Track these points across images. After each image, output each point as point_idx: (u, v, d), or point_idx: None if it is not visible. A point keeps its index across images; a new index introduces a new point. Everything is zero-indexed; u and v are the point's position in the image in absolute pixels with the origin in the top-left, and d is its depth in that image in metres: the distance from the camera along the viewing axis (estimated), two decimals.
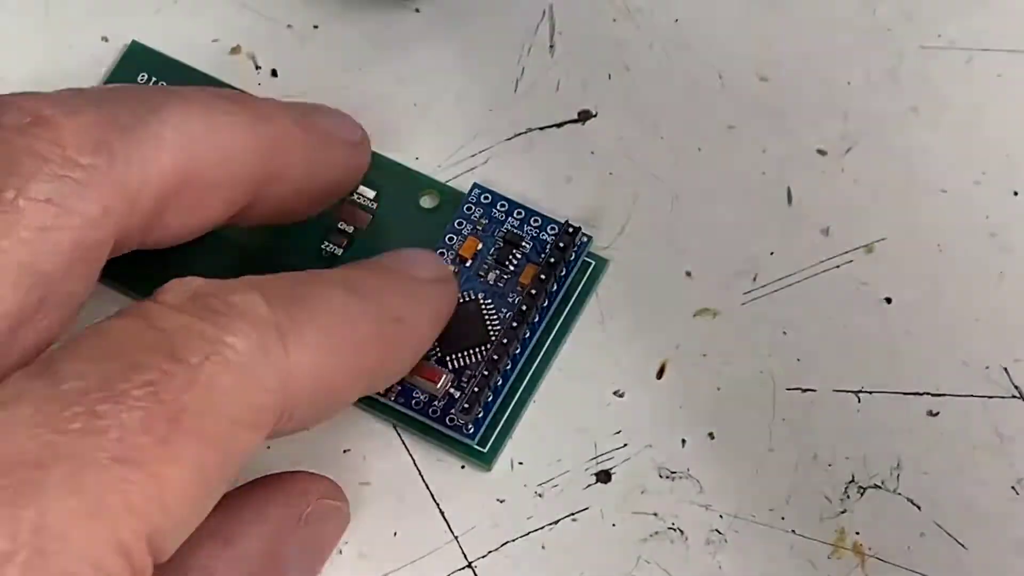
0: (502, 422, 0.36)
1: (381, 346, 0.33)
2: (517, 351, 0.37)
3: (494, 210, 0.38)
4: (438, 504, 0.36)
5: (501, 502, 0.36)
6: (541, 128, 0.40)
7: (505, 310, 0.37)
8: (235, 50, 0.41)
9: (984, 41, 0.40)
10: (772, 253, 0.38)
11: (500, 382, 0.37)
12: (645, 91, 0.40)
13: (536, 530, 0.36)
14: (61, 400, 0.27)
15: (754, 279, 0.38)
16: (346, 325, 0.32)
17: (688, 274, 0.38)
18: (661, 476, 0.36)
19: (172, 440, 0.27)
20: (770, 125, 0.39)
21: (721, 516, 0.36)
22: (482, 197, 0.38)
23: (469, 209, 0.38)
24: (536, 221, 0.38)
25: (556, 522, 0.36)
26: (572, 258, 0.38)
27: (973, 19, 0.40)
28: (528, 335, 0.37)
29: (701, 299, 0.38)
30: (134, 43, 0.41)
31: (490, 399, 0.36)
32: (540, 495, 0.36)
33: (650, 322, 0.36)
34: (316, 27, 0.41)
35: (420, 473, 0.36)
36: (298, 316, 0.30)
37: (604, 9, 0.41)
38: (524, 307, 0.36)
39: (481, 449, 0.36)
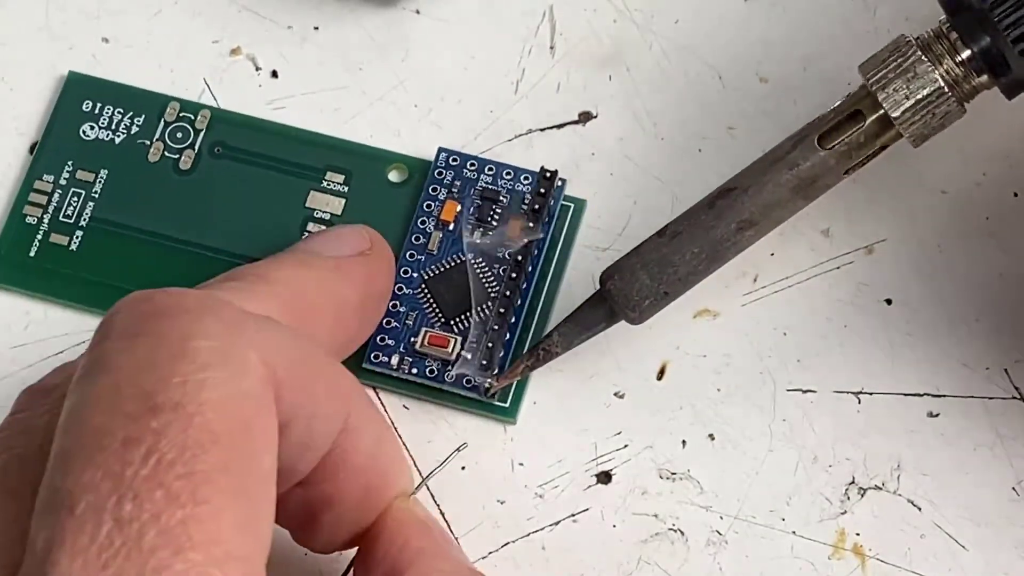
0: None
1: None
2: (519, 302, 0.37)
3: (465, 170, 0.39)
4: (438, 505, 0.36)
5: (501, 503, 0.36)
6: (541, 129, 0.40)
7: (497, 265, 0.37)
8: (235, 51, 0.41)
9: None
10: (772, 254, 0.38)
11: (508, 336, 0.37)
12: (645, 91, 0.40)
13: (537, 531, 0.36)
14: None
15: (754, 280, 0.38)
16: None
17: None
18: (661, 477, 0.36)
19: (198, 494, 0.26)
20: (770, 125, 0.39)
21: (721, 517, 0.36)
22: (450, 159, 0.39)
23: (440, 174, 0.39)
24: (508, 174, 0.38)
25: (557, 523, 0.36)
26: (553, 203, 0.38)
27: None
28: (526, 285, 0.37)
29: (701, 300, 0.38)
30: (72, 74, 0.40)
31: (501, 355, 0.37)
32: (540, 496, 0.36)
33: (650, 323, 0.36)
34: (316, 28, 0.41)
35: (420, 473, 0.36)
36: None
37: (604, 9, 0.41)
38: (519, 257, 0.37)
39: (503, 404, 0.37)
